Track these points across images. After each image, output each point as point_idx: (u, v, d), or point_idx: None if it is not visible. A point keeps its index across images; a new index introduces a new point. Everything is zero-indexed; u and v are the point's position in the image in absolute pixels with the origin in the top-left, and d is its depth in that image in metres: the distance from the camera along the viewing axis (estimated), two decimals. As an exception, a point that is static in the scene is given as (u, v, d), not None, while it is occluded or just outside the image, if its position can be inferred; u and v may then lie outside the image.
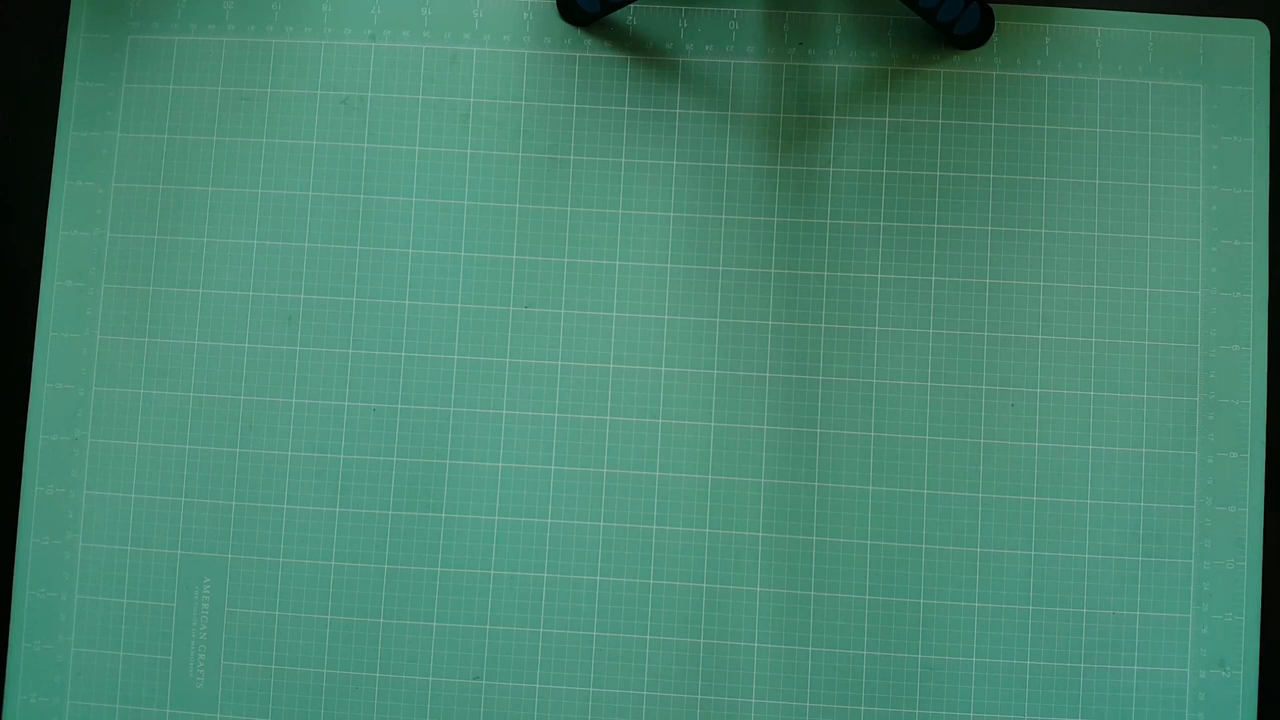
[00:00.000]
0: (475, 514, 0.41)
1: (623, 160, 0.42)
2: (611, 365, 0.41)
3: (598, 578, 0.40)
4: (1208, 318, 0.41)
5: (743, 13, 0.42)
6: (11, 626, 0.41)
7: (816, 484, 0.40)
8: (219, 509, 0.41)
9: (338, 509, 0.41)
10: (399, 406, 0.41)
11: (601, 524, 0.41)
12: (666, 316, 0.41)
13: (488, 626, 0.40)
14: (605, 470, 0.41)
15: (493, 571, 0.40)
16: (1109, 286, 0.41)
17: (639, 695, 0.40)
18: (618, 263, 0.41)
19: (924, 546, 0.40)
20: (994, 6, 0.42)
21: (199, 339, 0.41)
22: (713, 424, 0.41)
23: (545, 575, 0.40)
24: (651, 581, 0.40)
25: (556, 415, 0.41)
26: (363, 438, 0.41)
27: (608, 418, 0.41)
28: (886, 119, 0.42)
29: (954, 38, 0.42)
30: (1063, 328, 0.41)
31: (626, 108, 0.42)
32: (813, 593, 0.40)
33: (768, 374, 0.41)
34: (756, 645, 0.40)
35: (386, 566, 0.41)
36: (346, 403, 0.41)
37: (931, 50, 0.42)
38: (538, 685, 0.40)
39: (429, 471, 0.41)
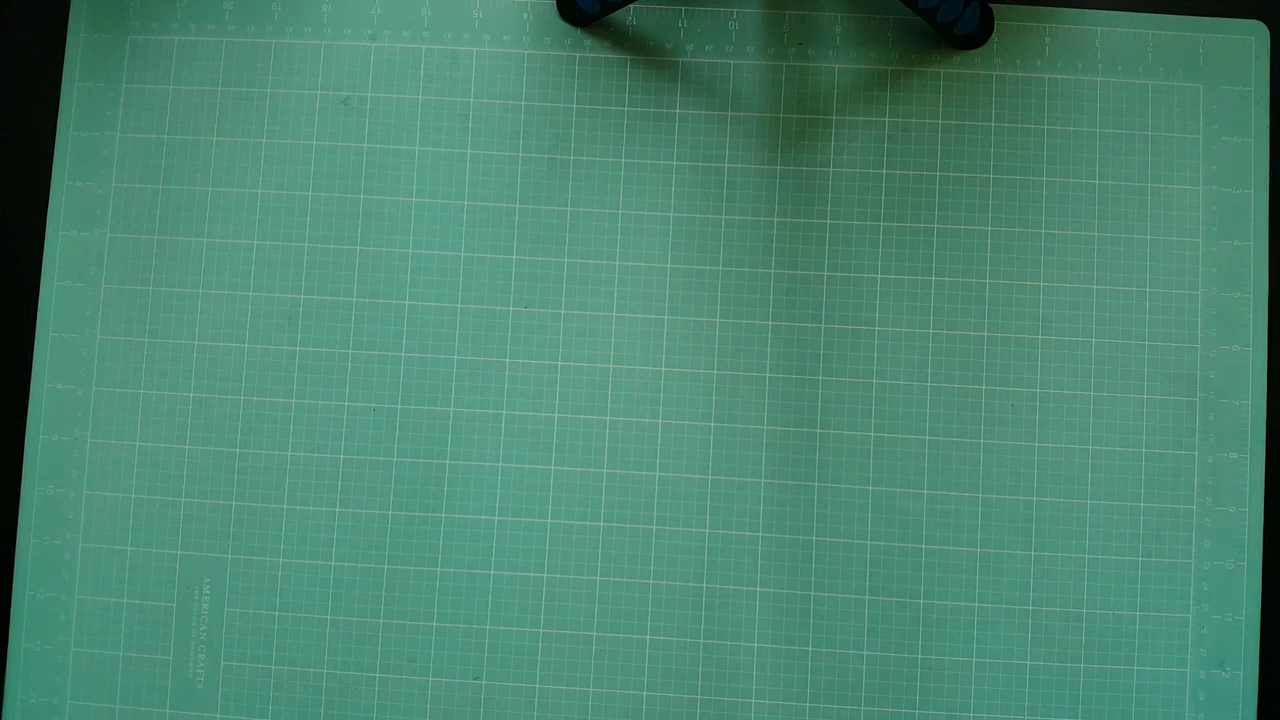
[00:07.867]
0: (475, 514, 0.41)
1: (623, 160, 0.42)
2: (611, 365, 0.41)
3: (598, 578, 0.40)
4: (1208, 318, 0.41)
5: (743, 13, 0.42)
6: (11, 626, 0.41)
7: (816, 484, 0.40)
8: (219, 509, 0.41)
9: (337, 509, 0.41)
10: (399, 407, 0.41)
11: (601, 524, 0.41)
12: (666, 316, 0.41)
13: (488, 626, 0.40)
14: (605, 470, 0.41)
15: (493, 571, 0.40)
16: (1109, 286, 0.41)
17: (639, 695, 0.40)
18: (618, 263, 0.41)
19: (924, 546, 0.40)
20: (994, 6, 0.42)
21: (199, 339, 0.41)
22: (713, 424, 0.41)
23: (545, 575, 0.40)
24: (651, 581, 0.40)
25: (556, 415, 0.41)
26: (363, 438, 0.41)
27: (608, 418, 0.41)
28: (886, 119, 0.42)
29: (954, 38, 0.41)
30: (1063, 328, 0.41)
31: (626, 108, 0.42)
32: (813, 593, 0.40)
33: (768, 374, 0.41)
34: (756, 645, 0.40)
35: (386, 566, 0.41)
36: (346, 403, 0.41)
37: (931, 50, 0.42)
38: (538, 685, 0.40)
39: (429, 471, 0.41)
